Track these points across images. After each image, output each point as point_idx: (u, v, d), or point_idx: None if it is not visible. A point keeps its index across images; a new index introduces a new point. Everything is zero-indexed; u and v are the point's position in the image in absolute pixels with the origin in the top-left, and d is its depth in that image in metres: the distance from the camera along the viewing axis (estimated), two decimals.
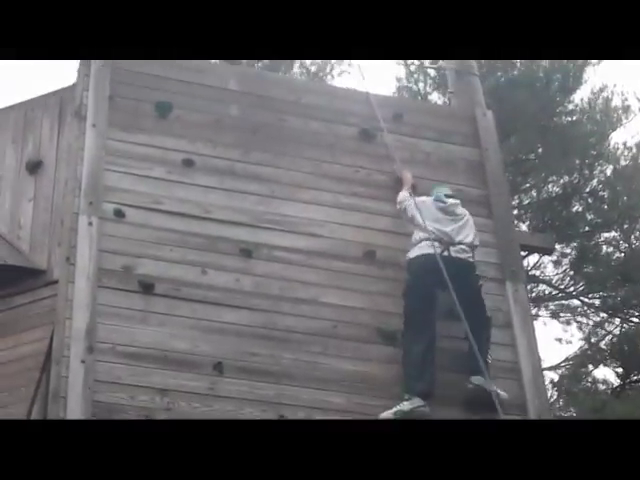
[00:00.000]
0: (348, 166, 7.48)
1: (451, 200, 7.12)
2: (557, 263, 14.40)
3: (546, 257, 14.07)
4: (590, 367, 14.54)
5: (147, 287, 6.53)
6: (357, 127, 7.66)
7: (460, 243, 6.89)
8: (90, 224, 6.60)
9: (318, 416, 6.28)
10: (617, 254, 14.39)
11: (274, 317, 6.70)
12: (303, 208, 7.17)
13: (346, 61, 15.16)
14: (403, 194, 7.26)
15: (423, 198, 7.15)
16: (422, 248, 6.85)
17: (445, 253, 6.79)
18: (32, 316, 6.97)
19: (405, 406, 6.44)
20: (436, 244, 6.80)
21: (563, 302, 14.84)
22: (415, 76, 15.19)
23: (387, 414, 6.44)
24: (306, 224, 7.11)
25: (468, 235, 6.99)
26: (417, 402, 6.45)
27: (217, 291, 6.68)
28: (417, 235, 6.94)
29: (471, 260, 6.91)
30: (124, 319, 6.39)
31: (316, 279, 6.92)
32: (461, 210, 7.13)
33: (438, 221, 6.95)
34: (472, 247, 6.98)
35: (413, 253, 6.88)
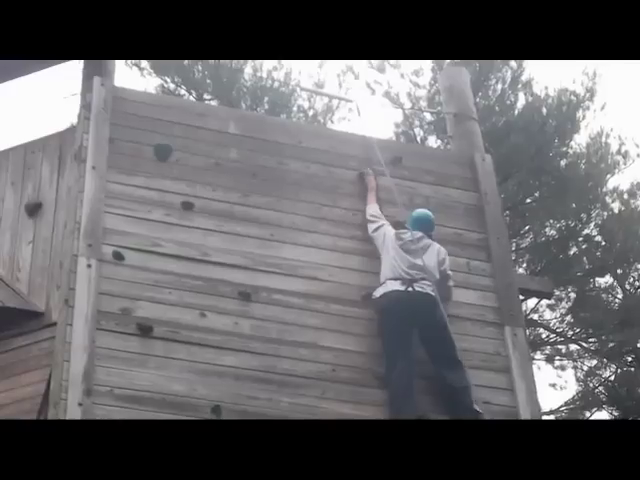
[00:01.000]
0: (347, 209, 7.50)
1: (409, 235, 7.12)
2: (555, 307, 14.41)
3: (544, 301, 14.09)
4: (588, 412, 14.50)
5: (145, 330, 6.50)
6: (356, 170, 7.68)
7: (422, 279, 6.90)
8: (89, 266, 6.58)
9: None
10: (614, 299, 14.41)
11: (273, 360, 6.67)
12: (302, 251, 7.17)
13: (345, 106, 15.26)
14: (375, 210, 7.35)
15: (388, 234, 7.18)
16: (386, 286, 6.90)
17: (409, 289, 6.83)
18: (30, 358, 6.95)
19: None
20: (398, 282, 6.87)
21: (559, 347, 14.84)
22: (411, 121, 15.28)
23: None
24: (305, 267, 7.11)
25: (432, 271, 6.98)
26: None
27: (216, 334, 6.65)
28: (382, 275, 7.00)
29: (434, 294, 6.89)
30: (122, 362, 6.35)
31: (315, 322, 6.91)
32: (422, 243, 7.10)
33: (399, 258, 6.99)
34: (441, 279, 7.02)
35: (378, 292, 6.93)
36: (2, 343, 7.09)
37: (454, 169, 8.05)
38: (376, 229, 7.25)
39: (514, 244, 14.07)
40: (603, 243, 14.30)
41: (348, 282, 7.14)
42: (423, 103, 14.90)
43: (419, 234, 7.14)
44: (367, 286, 7.12)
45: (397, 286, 6.87)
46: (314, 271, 7.12)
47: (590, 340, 14.63)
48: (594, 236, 14.34)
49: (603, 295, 14.40)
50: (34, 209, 7.58)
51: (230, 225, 7.13)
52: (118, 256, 6.72)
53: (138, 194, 7.03)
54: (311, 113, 15.68)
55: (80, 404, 6.05)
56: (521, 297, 8.36)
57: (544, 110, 14.30)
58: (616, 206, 14.62)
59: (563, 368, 14.97)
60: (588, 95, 14.43)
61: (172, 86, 15.05)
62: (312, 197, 7.46)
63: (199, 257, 6.92)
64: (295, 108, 15.53)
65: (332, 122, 15.70)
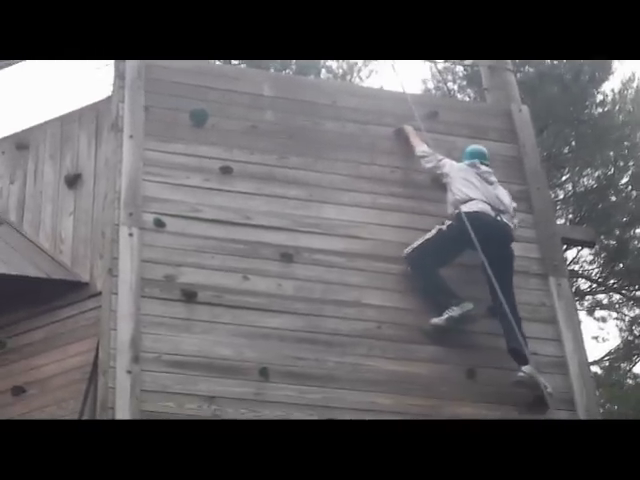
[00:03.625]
0: (385, 166, 7.46)
1: (484, 167, 7.15)
2: (595, 256, 14.34)
3: (584, 251, 14.04)
4: (635, 359, 14.47)
5: (190, 295, 6.53)
6: (393, 127, 7.64)
7: (505, 212, 6.94)
8: (131, 235, 6.61)
9: (366, 417, 6.23)
10: None
11: (317, 320, 6.68)
12: (342, 210, 7.16)
13: (374, 61, 15.20)
14: (424, 149, 7.29)
15: (455, 163, 7.18)
16: (478, 205, 6.85)
17: (498, 218, 6.86)
18: (77, 329, 7.01)
19: (455, 311, 6.62)
20: (489, 207, 6.85)
21: (599, 297, 14.78)
22: (445, 76, 15.20)
23: (438, 320, 6.64)
24: (346, 226, 7.10)
25: (509, 205, 7.03)
26: (467, 306, 6.62)
27: (259, 297, 6.67)
28: (463, 193, 6.92)
29: (513, 229, 6.96)
30: (168, 328, 6.38)
31: (358, 281, 6.90)
32: (494, 178, 7.15)
33: (477, 187, 6.99)
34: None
35: (468, 207, 6.79)
36: (49, 315, 7.14)
37: (491, 121, 8.00)
38: (439, 160, 7.17)
39: (552, 195, 13.99)
40: (634, 194, 14.20)
41: (389, 239, 7.11)
42: None
43: (491, 170, 7.16)
44: (408, 242, 7.07)
45: (489, 210, 6.85)
46: (355, 229, 7.10)
47: (631, 289, 14.57)
48: (629, 184, 14.25)
49: (637, 244, 14.31)
50: (73, 180, 7.61)
51: (269, 187, 7.12)
52: (159, 223, 6.74)
53: (176, 161, 7.03)
54: (340, 72, 15.62)
55: (129, 371, 6.10)
56: (563, 247, 8.33)
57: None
58: None
59: (604, 320, 14.94)
60: None
61: None
62: (349, 156, 7.43)
63: (240, 221, 6.92)
64: (323, 69, 15.47)
65: (360, 78, 15.64)
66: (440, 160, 7.19)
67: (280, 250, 6.87)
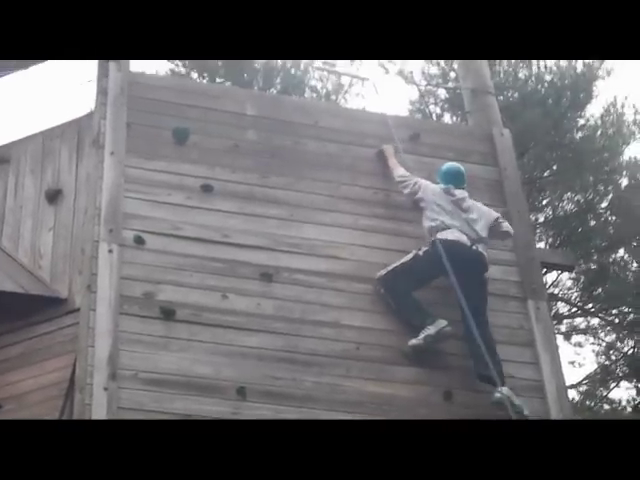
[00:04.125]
0: (367, 188, 7.49)
1: (459, 192, 7.16)
2: (575, 280, 14.38)
3: (563, 275, 14.07)
4: (611, 384, 14.49)
5: (168, 313, 6.51)
6: (375, 148, 7.66)
7: (480, 240, 6.97)
8: (110, 251, 6.59)
9: None
10: (629, 272, 14.36)
11: (296, 340, 6.67)
12: (323, 231, 7.17)
13: (359, 83, 15.23)
14: (404, 171, 7.33)
15: (431, 185, 7.21)
16: (454, 233, 6.91)
17: (473, 247, 6.89)
18: (54, 345, 7.00)
19: (431, 330, 6.66)
20: (465, 236, 6.90)
21: (577, 321, 14.82)
22: (427, 99, 15.24)
23: (416, 341, 6.68)
24: (326, 247, 7.11)
25: (483, 229, 7.06)
26: (441, 323, 6.67)
27: (238, 316, 6.65)
28: (439, 220, 6.98)
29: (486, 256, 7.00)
30: (146, 345, 6.36)
31: (337, 301, 6.90)
32: (470, 202, 7.17)
33: (451, 215, 7.02)
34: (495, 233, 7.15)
35: (444, 235, 6.89)
36: (26, 330, 7.13)
37: (473, 144, 8.04)
38: (414, 184, 7.22)
39: (532, 219, 14.03)
40: (613, 218, 14.25)
41: (370, 260, 7.12)
42: (437, 80, 14.85)
43: (465, 193, 7.19)
44: (389, 264, 7.06)
45: (464, 240, 6.90)
46: (335, 250, 7.11)
47: (609, 312, 14.60)
48: (608, 209, 14.30)
49: (616, 268, 14.35)
50: (54, 196, 7.61)
51: (250, 206, 7.12)
52: (139, 240, 6.72)
53: (157, 178, 7.03)
54: (324, 92, 15.64)
55: (105, 388, 6.07)
56: (542, 271, 8.35)
57: (558, 82, 14.24)
58: (627, 179, 14.59)
59: (581, 345, 14.97)
60: (599, 63, 14.33)
61: (183, 70, 15.00)
62: (331, 176, 7.45)
63: (220, 239, 6.92)
64: (307, 89, 15.50)
65: (345, 100, 15.67)
66: (415, 184, 7.23)
67: (260, 269, 6.86)
